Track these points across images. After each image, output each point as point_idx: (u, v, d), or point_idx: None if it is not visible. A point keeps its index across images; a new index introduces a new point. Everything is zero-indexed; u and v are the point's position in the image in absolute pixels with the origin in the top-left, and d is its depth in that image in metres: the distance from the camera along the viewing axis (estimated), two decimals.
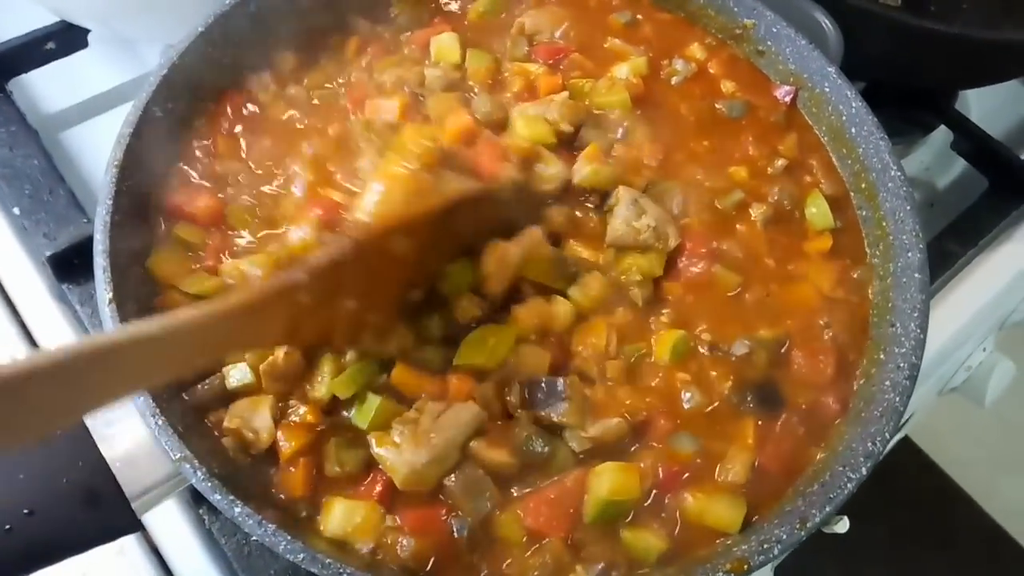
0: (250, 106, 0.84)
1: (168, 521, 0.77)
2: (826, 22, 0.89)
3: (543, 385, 0.67)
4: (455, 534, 0.63)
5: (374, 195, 0.67)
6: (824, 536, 1.33)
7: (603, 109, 0.84)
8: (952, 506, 2.39)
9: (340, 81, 0.86)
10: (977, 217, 1.08)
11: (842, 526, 1.32)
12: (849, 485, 0.64)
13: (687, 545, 0.65)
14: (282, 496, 0.64)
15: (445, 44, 0.88)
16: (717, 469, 0.68)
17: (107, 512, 0.58)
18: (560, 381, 0.67)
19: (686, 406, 0.69)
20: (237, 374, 0.68)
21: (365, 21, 0.91)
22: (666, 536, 0.65)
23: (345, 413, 0.67)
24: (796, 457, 0.69)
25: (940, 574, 2.28)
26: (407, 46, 0.90)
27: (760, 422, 0.70)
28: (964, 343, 1.11)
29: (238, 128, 0.83)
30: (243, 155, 0.81)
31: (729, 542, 0.64)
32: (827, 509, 0.63)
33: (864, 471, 0.65)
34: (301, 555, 0.57)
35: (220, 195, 0.77)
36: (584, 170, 0.77)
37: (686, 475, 0.67)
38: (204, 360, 0.62)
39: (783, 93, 0.89)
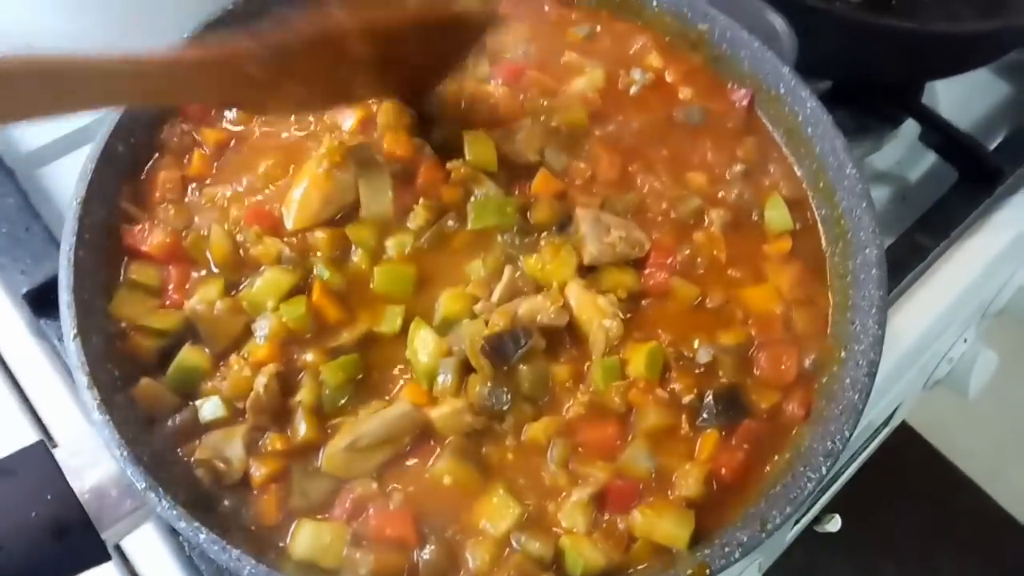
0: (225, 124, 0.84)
1: (148, 549, 0.78)
2: (779, 23, 0.89)
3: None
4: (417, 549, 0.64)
5: (296, 198, 0.71)
6: (833, 533, 1.33)
7: (560, 127, 0.84)
8: (958, 495, 2.38)
9: None
10: (947, 209, 1.08)
11: (834, 524, 1.32)
12: (809, 485, 0.65)
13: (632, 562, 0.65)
14: (255, 525, 0.65)
15: None
16: (671, 485, 0.67)
17: (77, 544, 0.59)
18: None
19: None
20: (210, 407, 0.68)
21: None
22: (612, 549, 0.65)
23: None
24: (755, 465, 0.69)
25: (950, 563, 2.27)
26: None
27: (723, 433, 0.70)
28: (941, 335, 1.11)
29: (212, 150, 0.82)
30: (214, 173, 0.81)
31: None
32: (787, 510, 0.63)
33: (824, 470, 0.65)
34: None
35: (184, 228, 0.76)
36: (538, 215, 0.78)
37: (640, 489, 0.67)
38: (154, 97, 0.71)
39: (740, 97, 0.90)
